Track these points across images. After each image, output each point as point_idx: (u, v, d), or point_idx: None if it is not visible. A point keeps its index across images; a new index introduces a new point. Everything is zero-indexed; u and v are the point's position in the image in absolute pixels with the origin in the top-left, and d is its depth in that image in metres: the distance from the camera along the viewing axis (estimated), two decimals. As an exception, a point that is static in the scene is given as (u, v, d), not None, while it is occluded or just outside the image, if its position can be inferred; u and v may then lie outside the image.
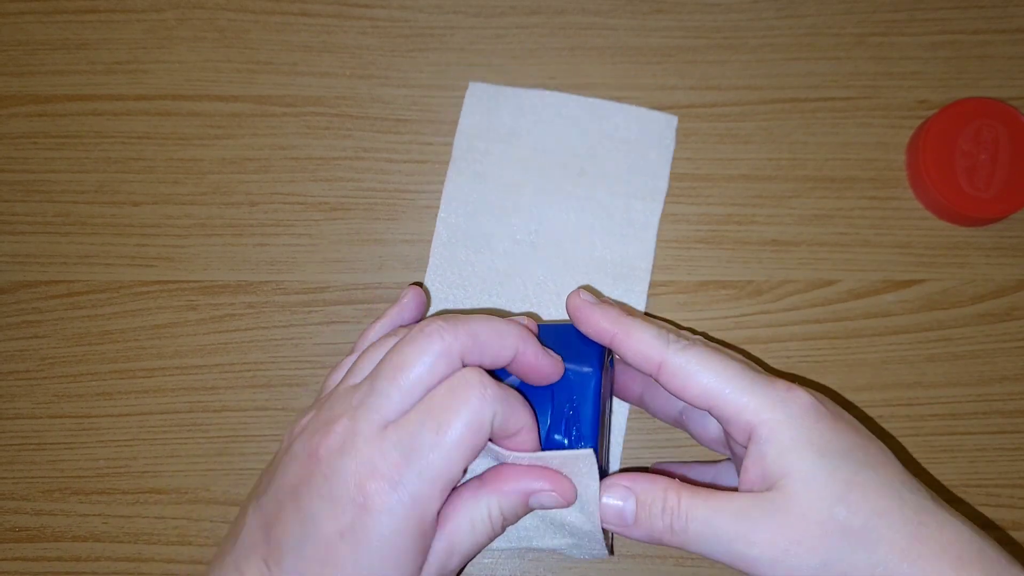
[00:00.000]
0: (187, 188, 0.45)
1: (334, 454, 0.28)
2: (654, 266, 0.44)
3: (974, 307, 0.43)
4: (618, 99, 0.45)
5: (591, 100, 0.45)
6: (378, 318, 0.35)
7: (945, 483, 0.42)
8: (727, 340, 0.43)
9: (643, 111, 0.45)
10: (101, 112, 0.45)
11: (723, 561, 0.29)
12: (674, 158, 0.45)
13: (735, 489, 0.30)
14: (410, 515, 0.27)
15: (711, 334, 0.43)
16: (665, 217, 0.44)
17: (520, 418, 0.29)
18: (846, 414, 0.31)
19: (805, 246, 0.44)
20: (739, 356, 0.32)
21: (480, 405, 0.28)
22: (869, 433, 0.31)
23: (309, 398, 0.43)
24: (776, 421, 0.29)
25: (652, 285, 0.44)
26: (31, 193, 0.45)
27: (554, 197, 0.44)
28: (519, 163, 0.44)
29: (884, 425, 0.43)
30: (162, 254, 0.44)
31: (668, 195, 0.44)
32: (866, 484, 0.28)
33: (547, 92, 0.45)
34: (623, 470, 0.41)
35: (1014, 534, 0.42)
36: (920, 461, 0.42)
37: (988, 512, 0.42)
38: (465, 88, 0.45)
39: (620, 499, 0.30)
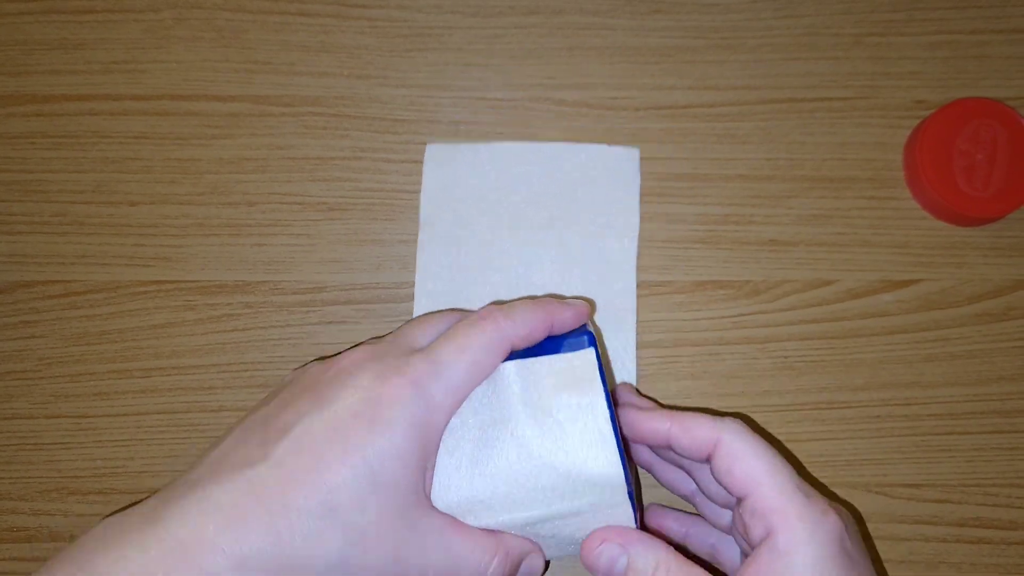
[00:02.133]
0: (185, 188, 0.45)
1: (359, 362, 0.30)
2: (652, 266, 0.44)
3: (971, 307, 0.43)
4: (616, 98, 0.45)
5: (550, 145, 0.44)
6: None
7: (942, 483, 0.42)
8: (725, 340, 0.43)
9: (603, 148, 0.44)
10: (98, 112, 0.45)
11: None
12: (672, 157, 0.45)
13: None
14: (425, 417, 0.30)
15: (709, 334, 0.43)
16: (663, 217, 0.44)
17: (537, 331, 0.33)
18: (866, 556, 0.31)
19: (803, 246, 0.44)
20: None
21: (495, 333, 0.32)
22: None
23: (307, 398, 0.43)
24: (800, 539, 0.29)
25: (649, 285, 0.44)
26: (28, 193, 0.45)
27: (529, 249, 0.43)
28: (489, 220, 0.43)
29: (882, 425, 0.43)
30: (159, 254, 0.44)
31: (666, 195, 0.44)
32: None
33: (505, 144, 0.44)
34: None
35: (1012, 534, 0.42)
36: (917, 461, 0.42)
37: (986, 512, 0.42)
38: (465, 88, 0.45)
39: (613, 554, 0.31)
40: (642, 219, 0.44)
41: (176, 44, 0.46)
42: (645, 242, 0.44)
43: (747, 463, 0.30)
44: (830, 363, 0.43)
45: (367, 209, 0.44)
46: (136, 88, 0.45)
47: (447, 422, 0.31)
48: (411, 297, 0.44)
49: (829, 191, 0.44)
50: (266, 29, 0.46)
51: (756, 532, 0.30)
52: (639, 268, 0.44)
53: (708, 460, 0.32)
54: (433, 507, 0.30)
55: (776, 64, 0.45)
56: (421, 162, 0.45)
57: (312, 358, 0.43)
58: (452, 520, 0.30)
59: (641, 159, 0.44)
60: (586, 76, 0.45)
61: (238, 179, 0.45)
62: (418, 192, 0.44)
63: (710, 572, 0.30)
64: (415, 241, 0.44)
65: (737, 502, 0.32)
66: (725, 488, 0.31)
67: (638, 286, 0.44)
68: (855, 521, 0.31)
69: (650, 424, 0.33)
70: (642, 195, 0.44)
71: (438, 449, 0.31)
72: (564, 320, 0.34)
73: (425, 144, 0.45)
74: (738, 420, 0.32)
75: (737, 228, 0.44)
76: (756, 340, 0.43)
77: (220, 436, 0.31)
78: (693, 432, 0.32)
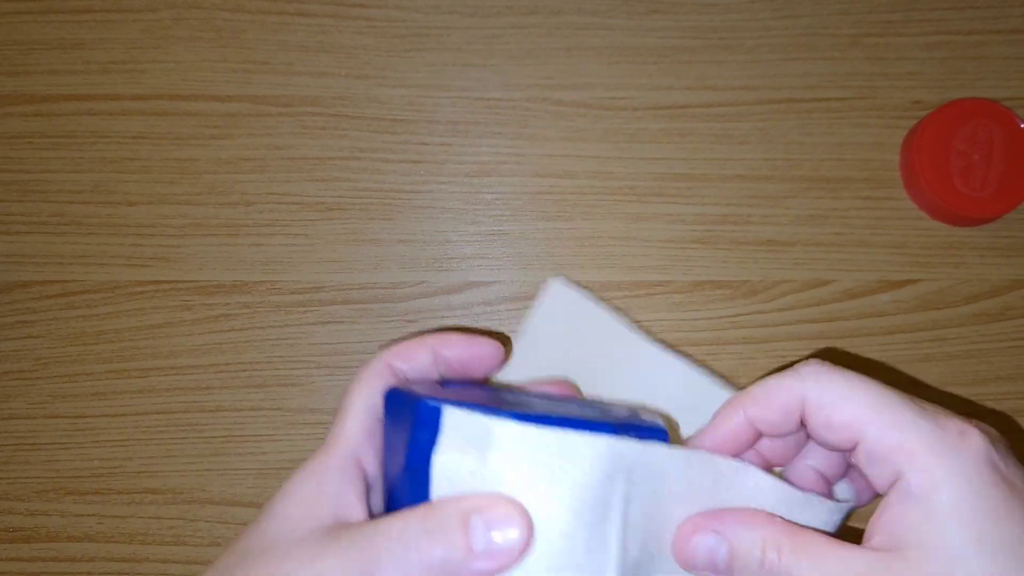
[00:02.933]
0: (183, 188, 0.45)
1: None
2: (650, 266, 0.44)
3: (969, 307, 0.43)
4: (615, 98, 0.45)
5: (663, 356, 0.41)
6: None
7: (940, 483, 0.42)
8: (723, 340, 0.43)
9: (702, 379, 0.40)
10: (97, 112, 0.45)
11: None
12: (670, 157, 0.45)
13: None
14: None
15: (707, 334, 0.43)
16: (661, 217, 0.44)
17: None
18: (1019, 469, 0.25)
19: (800, 246, 0.44)
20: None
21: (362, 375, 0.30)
22: None
23: (304, 398, 0.43)
24: (937, 476, 0.23)
25: (647, 285, 0.44)
26: (27, 193, 0.45)
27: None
28: (569, 372, 0.40)
29: (879, 425, 0.43)
30: (157, 254, 0.44)
31: (664, 195, 0.44)
32: None
33: (621, 324, 0.41)
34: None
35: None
36: (915, 461, 0.42)
37: (983, 512, 0.42)
38: (463, 88, 0.45)
39: (711, 544, 0.26)
40: (641, 219, 0.44)
41: (174, 44, 0.46)
42: (643, 242, 0.44)
43: (845, 407, 0.25)
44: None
45: (365, 209, 0.44)
46: (134, 88, 0.45)
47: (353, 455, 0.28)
48: (408, 297, 0.44)
49: (827, 191, 0.44)
50: (264, 29, 0.46)
51: (881, 481, 0.24)
52: (639, 268, 0.44)
53: (803, 427, 0.26)
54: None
55: (774, 64, 0.45)
56: (419, 162, 0.45)
57: (309, 358, 0.43)
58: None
59: (641, 159, 0.44)
60: (584, 76, 0.45)
61: (236, 179, 0.45)
62: (415, 192, 0.44)
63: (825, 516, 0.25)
64: (413, 241, 0.44)
65: (850, 458, 0.26)
66: (834, 448, 0.26)
67: (636, 284, 0.44)
68: (1002, 438, 0.25)
69: (726, 424, 0.27)
70: (642, 195, 0.44)
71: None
72: (453, 351, 0.31)
73: (425, 144, 0.45)
74: (816, 361, 0.26)
75: (735, 228, 0.44)
76: (754, 340, 0.43)
77: None
78: (774, 401, 0.26)
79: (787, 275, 0.44)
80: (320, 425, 0.43)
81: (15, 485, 0.43)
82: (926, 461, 0.23)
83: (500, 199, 0.45)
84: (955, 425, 0.24)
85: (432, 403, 0.25)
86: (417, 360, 0.30)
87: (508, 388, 0.34)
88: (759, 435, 0.28)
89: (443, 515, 0.24)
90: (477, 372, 0.31)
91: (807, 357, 0.40)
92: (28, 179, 0.45)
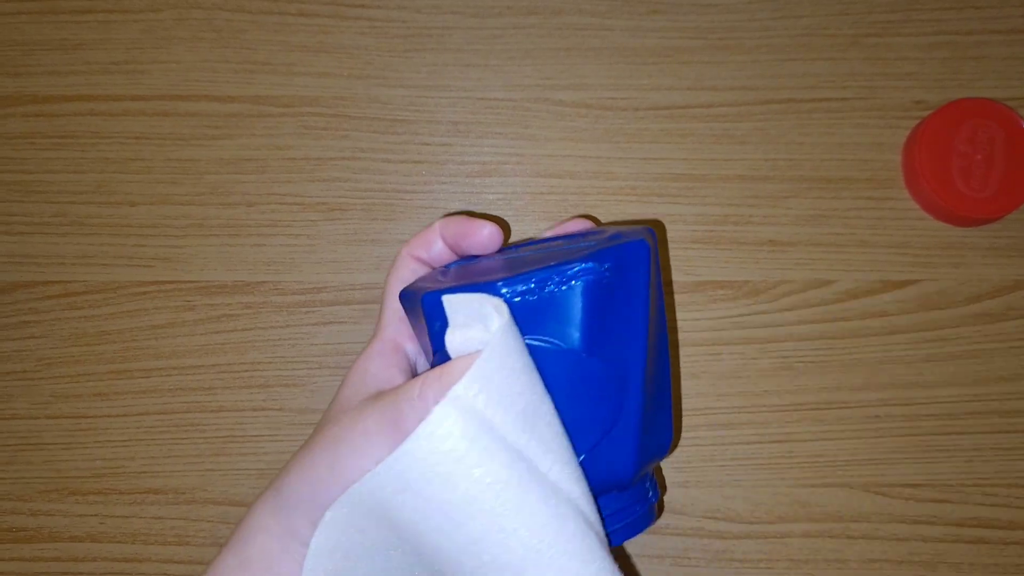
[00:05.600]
0: (184, 188, 0.45)
1: None
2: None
3: (970, 307, 0.43)
4: (615, 99, 0.45)
5: None
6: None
7: (941, 483, 0.42)
8: (724, 340, 0.43)
9: None
10: (98, 112, 0.45)
11: None
12: (670, 158, 0.45)
13: None
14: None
15: (708, 334, 0.43)
16: (662, 217, 0.44)
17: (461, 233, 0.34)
18: None
19: (801, 246, 0.44)
20: None
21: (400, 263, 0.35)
22: None
23: (306, 398, 0.43)
24: None
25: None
26: (28, 193, 0.45)
27: None
28: None
29: (881, 425, 0.43)
30: (159, 254, 0.44)
31: (665, 195, 0.44)
32: None
33: None
34: None
35: (1011, 534, 0.42)
36: (917, 461, 0.42)
37: (985, 512, 0.42)
38: (464, 88, 0.45)
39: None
40: (642, 219, 0.44)
41: (176, 45, 0.46)
42: (644, 242, 0.44)
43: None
44: (829, 363, 0.43)
45: (367, 209, 0.44)
46: (136, 88, 0.45)
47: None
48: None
49: (827, 191, 0.44)
50: (266, 30, 0.46)
51: None
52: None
53: None
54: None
55: (774, 65, 0.45)
56: (420, 162, 0.45)
57: (311, 358, 0.43)
58: None
59: (641, 159, 0.45)
60: (584, 77, 0.45)
61: (238, 179, 0.45)
62: (416, 192, 0.44)
63: None
64: (414, 241, 0.44)
65: None
66: None
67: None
68: None
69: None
70: (643, 195, 0.44)
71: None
72: (450, 230, 0.34)
73: (426, 144, 0.45)
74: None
75: (736, 228, 0.44)
76: (755, 340, 0.43)
77: None
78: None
79: (788, 275, 0.44)
80: (322, 425, 0.43)
81: (17, 485, 0.43)
82: None
83: (501, 199, 0.45)
84: None
85: (431, 296, 0.29)
86: (433, 246, 0.35)
87: (512, 247, 0.36)
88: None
89: (453, 369, 0.27)
90: (478, 251, 0.34)
91: (806, 357, 0.40)
92: (30, 179, 0.45)
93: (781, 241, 0.44)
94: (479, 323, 0.28)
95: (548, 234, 0.36)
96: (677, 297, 0.44)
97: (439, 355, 0.30)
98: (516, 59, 0.46)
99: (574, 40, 0.46)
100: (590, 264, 0.28)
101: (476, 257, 0.34)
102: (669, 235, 0.44)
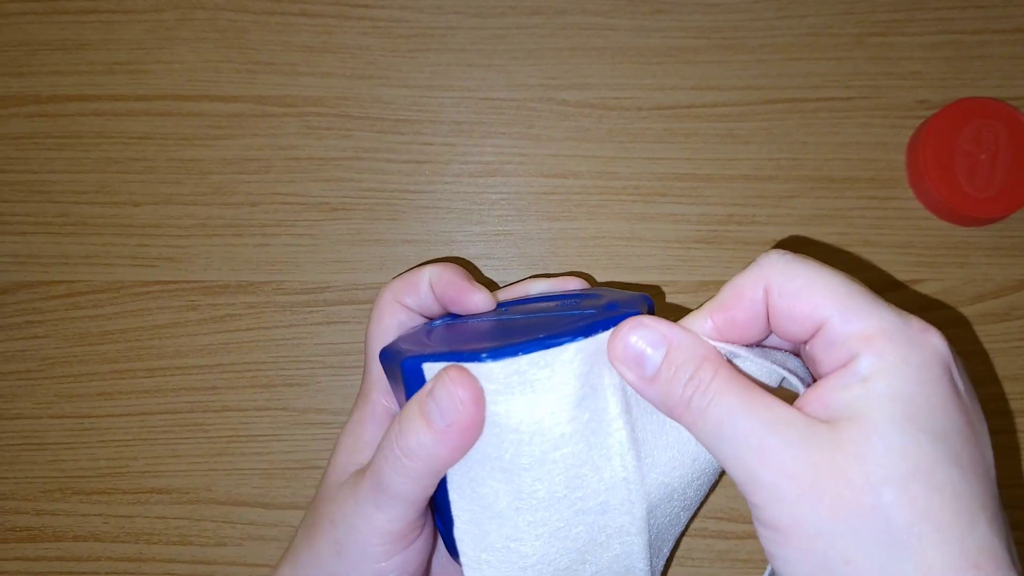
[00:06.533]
0: (188, 188, 0.45)
1: None
2: (655, 267, 0.44)
3: (974, 306, 0.43)
4: (619, 99, 0.45)
5: None
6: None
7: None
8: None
9: None
10: (102, 112, 0.45)
11: (727, 468, 0.24)
12: (674, 158, 0.45)
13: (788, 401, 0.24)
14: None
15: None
16: (665, 217, 0.44)
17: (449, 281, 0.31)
18: (971, 389, 0.24)
19: (805, 246, 0.44)
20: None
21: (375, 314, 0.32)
22: (985, 431, 0.24)
23: (310, 398, 0.43)
24: (887, 361, 0.22)
25: (651, 286, 0.44)
26: (32, 193, 0.45)
27: None
28: None
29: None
30: (163, 254, 0.44)
31: (669, 195, 0.44)
32: (941, 485, 0.21)
33: None
34: None
35: (1012, 534, 0.42)
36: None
37: (988, 512, 0.42)
38: (467, 88, 0.45)
39: (649, 344, 0.25)
40: (645, 219, 0.44)
41: (179, 45, 0.46)
42: (647, 242, 0.44)
43: (810, 295, 0.24)
44: (832, 363, 0.43)
45: (370, 209, 0.44)
46: (139, 88, 0.45)
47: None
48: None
49: (831, 191, 0.44)
50: (268, 30, 0.46)
51: (833, 365, 0.23)
52: (644, 268, 0.44)
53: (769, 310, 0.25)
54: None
55: (778, 64, 0.45)
56: (423, 162, 0.45)
57: (315, 358, 0.43)
58: None
59: (645, 159, 0.44)
60: (588, 76, 0.45)
61: (241, 179, 0.45)
62: (420, 192, 0.44)
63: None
64: (418, 241, 0.44)
65: (804, 350, 0.25)
66: (793, 339, 0.25)
67: (641, 285, 0.44)
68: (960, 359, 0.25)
69: (696, 330, 0.26)
70: (646, 195, 0.44)
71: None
72: (443, 291, 0.31)
73: (430, 144, 0.45)
74: (778, 251, 0.25)
75: (739, 228, 0.44)
76: (758, 340, 0.43)
77: None
78: (742, 298, 0.25)
79: (792, 275, 0.44)
80: (326, 425, 0.43)
81: (21, 485, 0.43)
82: (882, 346, 0.22)
83: (505, 199, 0.45)
84: (920, 323, 0.23)
85: (411, 361, 0.28)
86: (419, 293, 0.32)
87: (503, 305, 0.34)
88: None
89: (407, 414, 0.26)
90: (465, 311, 0.32)
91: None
92: (33, 179, 0.45)
93: (785, 241, 0.44)
94: None
95: (542, 287, 0.34)
96: (680, 297, 0.44)
97: None
98: (519, 59, 0.45)
99: (578, 40, 0.46)
100: (580, 340, 0.27)
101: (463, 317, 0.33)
102: (672, 235, 0.44)
